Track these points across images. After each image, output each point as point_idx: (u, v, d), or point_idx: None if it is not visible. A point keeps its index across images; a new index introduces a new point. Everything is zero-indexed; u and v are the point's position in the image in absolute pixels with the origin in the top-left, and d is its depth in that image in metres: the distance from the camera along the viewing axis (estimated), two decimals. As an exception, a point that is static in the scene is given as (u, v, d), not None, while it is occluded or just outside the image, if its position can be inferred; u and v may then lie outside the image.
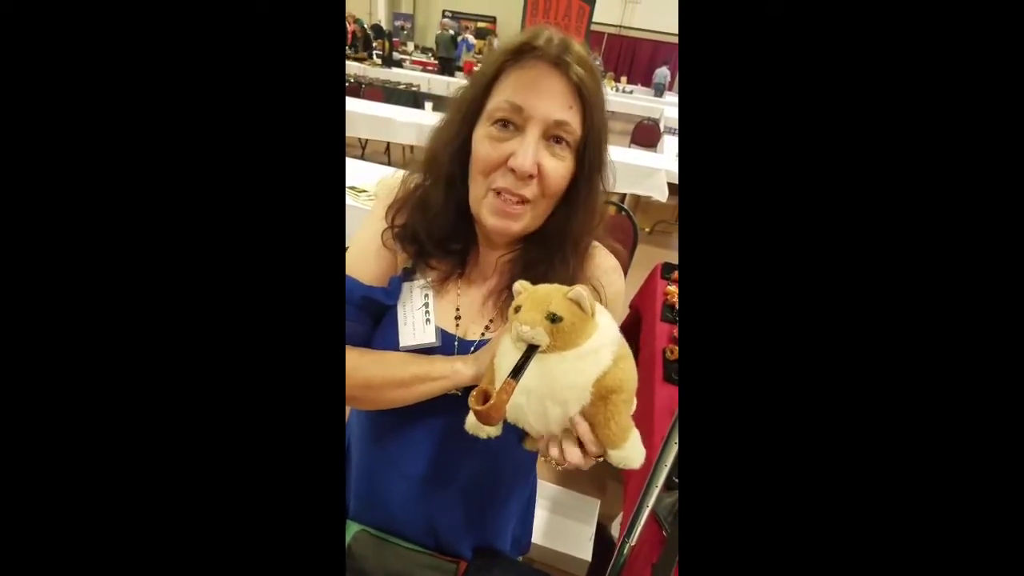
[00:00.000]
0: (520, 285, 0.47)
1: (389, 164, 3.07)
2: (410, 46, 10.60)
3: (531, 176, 0.50)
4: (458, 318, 0.59)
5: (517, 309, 0.44)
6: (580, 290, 0.42)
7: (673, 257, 2.24)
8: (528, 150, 0.49)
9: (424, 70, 7.17)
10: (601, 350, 0.44)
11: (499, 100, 0.50)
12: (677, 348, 1.35)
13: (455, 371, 0.54)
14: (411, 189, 0.59)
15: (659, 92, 8.82)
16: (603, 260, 0.62)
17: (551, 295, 0.44)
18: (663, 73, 9.08)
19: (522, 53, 0.50)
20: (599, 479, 1.67)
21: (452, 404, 0.57)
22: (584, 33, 4.50)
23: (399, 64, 7.33)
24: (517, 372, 0.42)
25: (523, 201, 0.51)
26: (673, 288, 1.67)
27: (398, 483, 0.63)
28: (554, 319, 0.42)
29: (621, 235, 1.37)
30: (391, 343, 0.58)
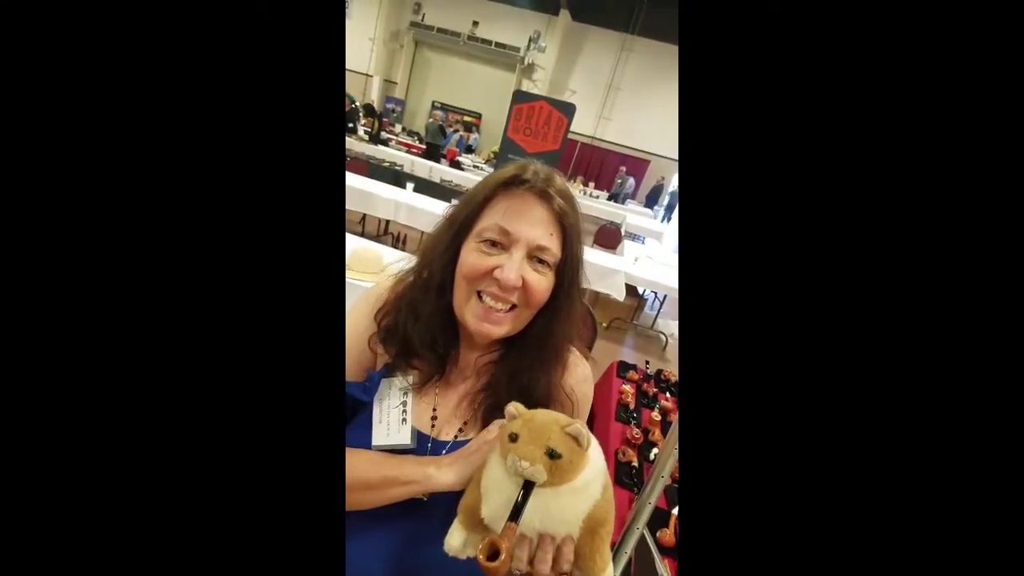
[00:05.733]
0: (514, 408, 0.46)
1: (362, 235, 3.14)
2: (397, 127, 11.22)
3: (515, 288, 0.55)
4: (434, 419, 0.60)
5: (513, 437, 0.43)
6: (579, 427, 0.43)
7: (627, 355, 2.32)
8: (513, 265, 0.54)
9: (409, 151, 7.55)
10: (592, 483, 0.44)
11: (489, 222, 0.56)
12: (629, 450, 1.38)
13: (427, 476, 0.53)
14: (399, 294, 0.62)
15: (621, 200, 8.99)
16: (576, 368, 0.65)
17: (549, 427, 0.43)
18: (630, 184, 9.34)
19: (512, 183, 0.57)
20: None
21: (417, 508, 0.55)
22: (561, 141, 4.95)
23: (386, 143, 7.72)
24: (517, 514, 0.41)
25: (508, 309, 0.56)
26: (627, 387, 1.73)
27: None
28: (553, 455, 0.41)
29: (582, 329, 1.44)
30: (363, 441, 0.57)
